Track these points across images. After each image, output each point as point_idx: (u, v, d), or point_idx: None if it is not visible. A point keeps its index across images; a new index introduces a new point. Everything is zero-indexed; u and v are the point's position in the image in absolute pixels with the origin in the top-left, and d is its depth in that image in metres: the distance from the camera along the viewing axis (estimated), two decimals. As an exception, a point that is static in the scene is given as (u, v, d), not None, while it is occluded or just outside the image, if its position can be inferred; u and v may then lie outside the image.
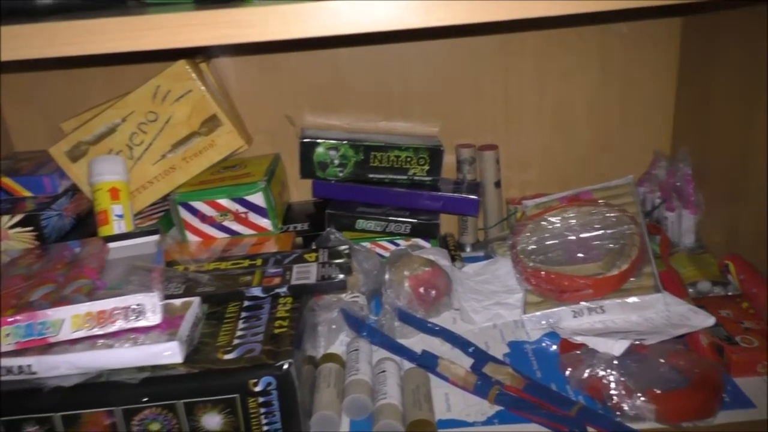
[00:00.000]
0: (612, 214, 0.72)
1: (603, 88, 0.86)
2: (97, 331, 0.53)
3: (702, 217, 0.81)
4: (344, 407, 0.58)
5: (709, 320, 0.61)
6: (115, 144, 0.76)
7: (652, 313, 0.65)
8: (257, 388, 0.51)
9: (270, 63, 0.85)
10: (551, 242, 0.72)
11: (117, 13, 0.47)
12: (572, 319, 0.67)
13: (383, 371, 0.60)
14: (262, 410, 0.52)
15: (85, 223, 0.79)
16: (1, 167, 0.78)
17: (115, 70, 0.84)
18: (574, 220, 0.74)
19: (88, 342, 0.53)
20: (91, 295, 0.55)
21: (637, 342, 0.60)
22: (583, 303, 0.67)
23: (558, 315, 0.67)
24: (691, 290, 0.71)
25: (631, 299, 0.65)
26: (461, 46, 0.84)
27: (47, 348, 0.52)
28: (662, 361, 0.58)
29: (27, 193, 0.77)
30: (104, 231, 0.72)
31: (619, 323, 0.66)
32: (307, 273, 0.63)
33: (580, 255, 0.70)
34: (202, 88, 0.74)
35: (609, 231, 0.70)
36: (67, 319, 0.53)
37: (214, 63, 0.84)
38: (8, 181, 0.76)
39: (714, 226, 0.80)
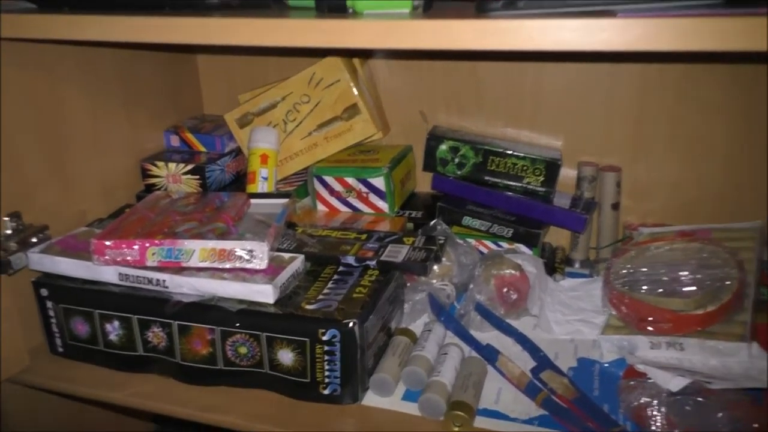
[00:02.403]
0: (718, 255, 0.70)
1: (749, 127, 0.81)
2: (216, 265, 0.66)
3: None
4: (402, 376, 0.65)
5: (789, 381, 0.58)
6: (274, 118, 0.89)
7: (733, 361, 0.63)
8: (324, 338, 0.60)
9: (416, 67, 0.93)
10: (646, 270, 0.72)
11: (268, 14, 0.58)
12: (648, 350, 0.67)
13: (445, 353, 0.66)
14: (326, 357, 0.61)
15: (241, 181, 0.94)
16: (187, 124, 0.96)
17: (284, 59, 0.97)
18: (679, 255, 0.72)
19: (209, 272, 0.66)
20: (223, 237, 0.68)
21: (706, 384, 0.59)
22: (663, 336, 0.66)
23: (635, 343, 0.68)
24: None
25: (712, 342, 0.63)
26: (598, 69, 0.85)
27: (179, 270, 0.66)
28: (722, 409, 0.57)
29: (202, 148, 0.94)
30: (250, 188, 0.86)
31: (697, 364, 0.64)
32: (397, 253, 0.71)
33: (672, 289, 0.69)
34: (349, 79, 0.85)
35: (708, 271, 0.68)
36: (197, 250, 0.66)
37: (369, 62, 0.94)
38: (190, 136, 0.94)
39: None
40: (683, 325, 0.65)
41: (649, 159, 0.86)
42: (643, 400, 0.59)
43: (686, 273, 0.69)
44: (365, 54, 0.93)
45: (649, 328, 0.67)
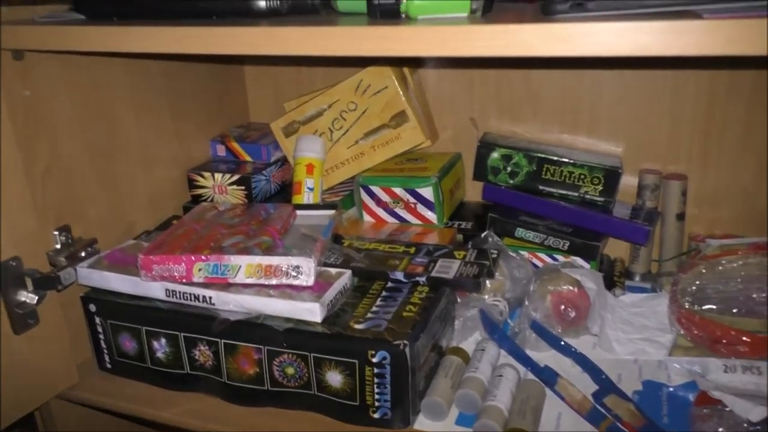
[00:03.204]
0: (799, 271, 0.64)
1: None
2: (263, 281, 0.64)
3: None
4: (455, 399, 0.62)
5: None
6: (320, 126, 0.87)
7: (819, 389, 0.58)
8: (374, 360, 0.57)
9: (467, 72, 0.89)
10: (717, 287, 0.67)
11: (317, 21, 0.56)
12: (722, 374, 0.62)
13: (500, 375, 0.63)
14: (376, 380, 0.58)
15: (287, 190, 0.93)
16: (234, 133, 0.95)
17: (332, 65, 0.95)
18: (754, 270, 0.67)
19: (255, 288, 0.64)
20: (269, 252, 0.66)
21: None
22: (738, 359, 0.61)
23: (707, 365, 0.63)
24: None
25: (795, 368, 0.58)
26: (662, 73, 0.80)
27: (225, 287, 0.64)
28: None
29: (248, 158, 0.92)
30: (296, 199, 0.84)
31: (777, 391, 0.59)
32: (448, 268, 0.68)
33: (748, 308, 0.64)
34: (397, 85, 0.82)
35: (789, 289, 0.63)
36: (243, 266, 0.64)
37: (418, 72, 0.91)
38: (236, 145, 0.92)
39: None
40: (761, 348, 0.60)
41: (720, 165, 0.81)
42: (720, 430, 0.54)
43: (763, 290, 0.64)
44: (418, 62, 0.90)
45: (723, 351, 0.62)
